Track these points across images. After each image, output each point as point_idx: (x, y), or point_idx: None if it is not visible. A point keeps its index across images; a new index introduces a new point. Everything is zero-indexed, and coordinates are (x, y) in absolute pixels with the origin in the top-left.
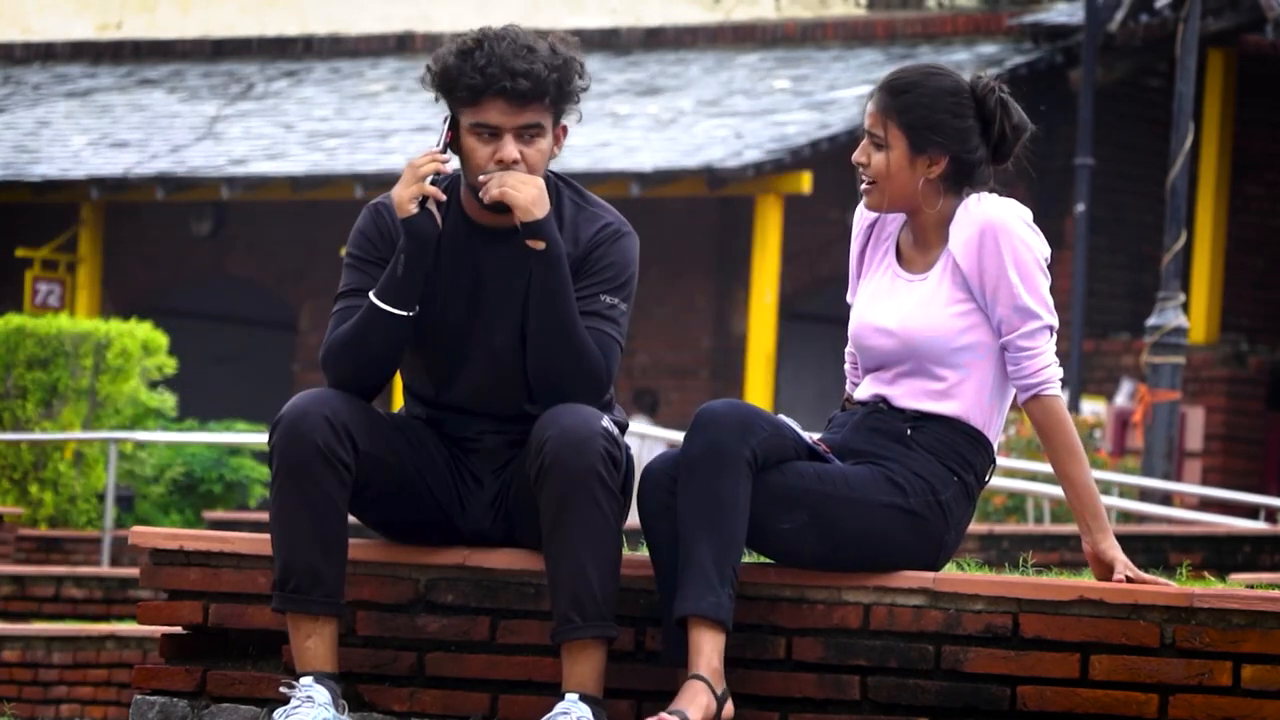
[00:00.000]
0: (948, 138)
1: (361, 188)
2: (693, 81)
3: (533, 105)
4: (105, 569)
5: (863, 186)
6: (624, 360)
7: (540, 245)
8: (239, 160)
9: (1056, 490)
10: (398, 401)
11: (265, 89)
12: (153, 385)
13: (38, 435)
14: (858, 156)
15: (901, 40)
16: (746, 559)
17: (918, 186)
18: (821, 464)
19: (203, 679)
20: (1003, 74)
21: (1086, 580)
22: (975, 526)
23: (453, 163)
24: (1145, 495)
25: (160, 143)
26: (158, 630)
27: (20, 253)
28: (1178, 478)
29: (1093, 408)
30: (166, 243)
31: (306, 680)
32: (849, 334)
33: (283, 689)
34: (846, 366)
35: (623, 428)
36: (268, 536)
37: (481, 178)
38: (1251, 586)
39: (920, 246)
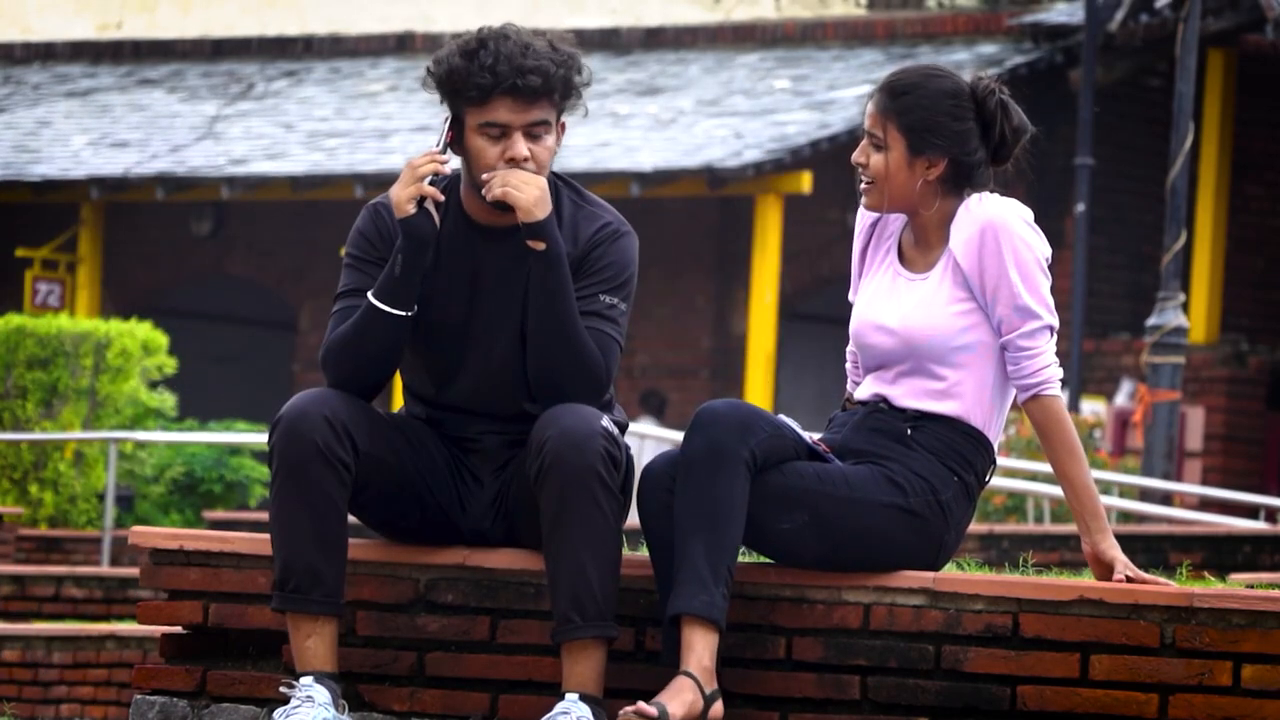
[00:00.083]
0: (946, 140)
1: (361, 188)
2: (693, 81)
3: (541, 102)
4: (105, 569)
5: (862, 186)
6: (624, 361)
7: (541, 246)
8: (239, 160)
9: (1056, 490)
10: (398, 401)
11: (265, 89)
12: (153, 385)
13: (38, 435)
14: (857, 157)
15: (901, 40)
16: (747, 559)
17: (916, 187)
18: (821, 464)
19: (203, 679)
20: (1003, 74)
21: (1086, 580)
22: (975, 526)
23: (452, 163)
24: (1145, 495)
25: (160, 143)
26: (158, 630)
27: (20, 253)
28: (1178, 478)
29: (1093, 408)
30: (166, 243)
31: (306, 680)
32: (850, 333)
33: (283, 689)
34: (847, 366)
35: (623, 427)
36: (268, 536)
37: (485, 175)
38: (1251, 586)
39: (921, 246)
